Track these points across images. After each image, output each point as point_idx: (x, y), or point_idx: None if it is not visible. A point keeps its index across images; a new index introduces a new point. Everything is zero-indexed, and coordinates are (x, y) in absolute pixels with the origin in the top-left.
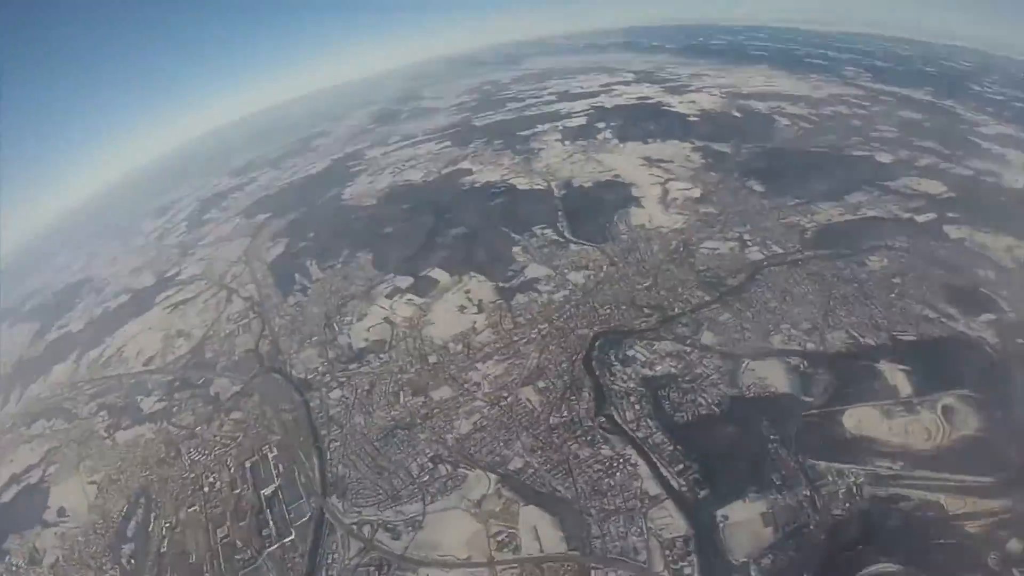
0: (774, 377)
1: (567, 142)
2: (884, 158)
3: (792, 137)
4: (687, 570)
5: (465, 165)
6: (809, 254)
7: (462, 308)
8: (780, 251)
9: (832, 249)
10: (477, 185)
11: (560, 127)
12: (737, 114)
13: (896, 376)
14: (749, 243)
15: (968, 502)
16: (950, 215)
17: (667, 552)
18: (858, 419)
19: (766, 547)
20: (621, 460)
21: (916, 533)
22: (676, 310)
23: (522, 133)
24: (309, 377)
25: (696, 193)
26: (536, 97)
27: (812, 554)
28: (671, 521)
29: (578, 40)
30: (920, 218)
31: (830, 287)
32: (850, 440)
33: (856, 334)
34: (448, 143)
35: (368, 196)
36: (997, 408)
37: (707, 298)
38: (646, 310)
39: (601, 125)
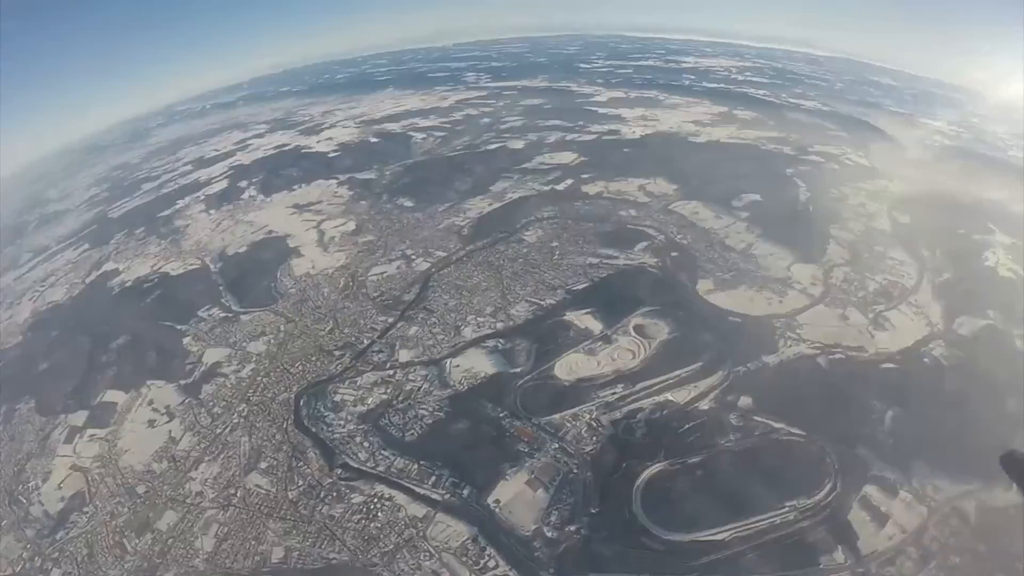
0: (479, 364)
1: (212, 211)
2: (516, 145)
3: (430, 148)
4: (491, 563)
5: (110, 266)
6: (471, 248)
7: (152, 423)
8: (444, 254)
9: (491, 237)
10: (128, 284)
11: (202, 197)
12: (374, 140)
13: (585, 320)
14: (413, 257)
15: (691, 388)
16: (584, 176)
17: (464, 558)
18: (568, 367)
19: (546, 507)
20: (376, 500)
21: (663, 431)
22: (365, 341)
23: (164, 214)
24: (18, 570)
25: (351, 226)
26: (171, 171)
27: (589, 491)
28: (452, 530)
29: (204, 100)
30: (560, 187)
31: (499, 270)
32: (570, 387)
33: (536, 300)
34: (86, 246)
35: (11, 334)
36: (676, 310)
37: (390, 320)
38: (336, 352)
39: (244, 184)
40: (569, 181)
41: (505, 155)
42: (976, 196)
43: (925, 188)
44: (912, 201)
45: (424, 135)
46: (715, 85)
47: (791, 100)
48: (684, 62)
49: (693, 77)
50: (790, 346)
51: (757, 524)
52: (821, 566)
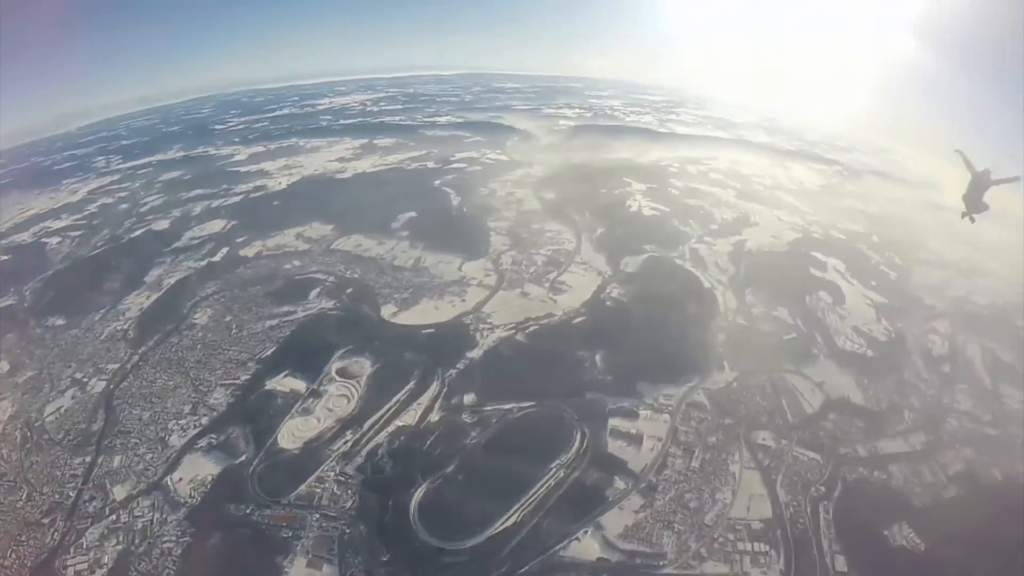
0: (202, 468)
1: None
2: (162, 225)
3: (69, 252)
4: None
5: None
6: (144, 350)
7: None
8: (117, 366)
9: (160, 330)
10: None
11: None
12: (3, 258)
13: (287, 383)
14: (86, 380)
15: (416, 407)
16: (239, 240)
17: None
18: (291, 435)
19: None
20: None
21: (409, 455)
22: (72, 494)
23: None
24: None
25: (5, 367)
26: None
27: (371, 543)
28: None
29: None
30: (217, 257)
31: (182, 363)
32: (301, 453)
33: (231, 381)
34: None
35: None
36: (371, 342)
37: (88, 459)
38: (45, 521)
39: None
40: (225, 249)
41: (152, 239)
42: (607, 159)
43: (562, 166)
44: (553, 179)
45: (59, 239)
46: (352, 121)
47: (426, 120)
48: (319, 104)
49: (330, 117)
50: (487, 336)
51: (536, 495)
52: (610, 499)
